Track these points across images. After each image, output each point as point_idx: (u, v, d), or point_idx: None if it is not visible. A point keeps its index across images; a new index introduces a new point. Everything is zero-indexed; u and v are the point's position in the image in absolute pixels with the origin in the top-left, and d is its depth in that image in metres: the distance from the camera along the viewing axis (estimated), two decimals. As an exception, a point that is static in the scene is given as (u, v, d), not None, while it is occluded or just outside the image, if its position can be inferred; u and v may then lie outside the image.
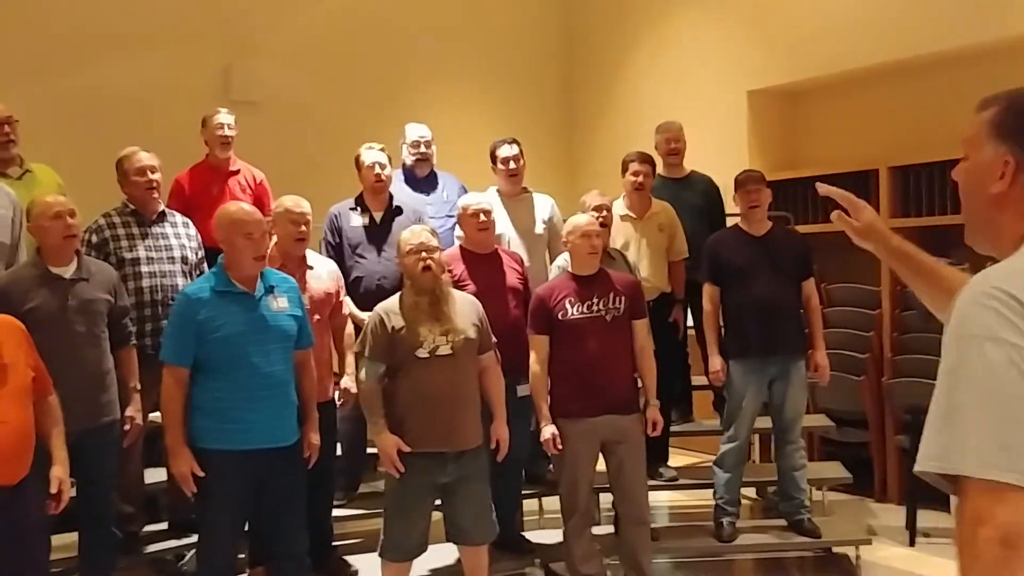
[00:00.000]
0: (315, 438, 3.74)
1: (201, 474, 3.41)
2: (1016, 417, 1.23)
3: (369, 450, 5.07)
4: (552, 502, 5.27)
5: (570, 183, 7.95)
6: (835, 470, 5.50)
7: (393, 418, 3.75)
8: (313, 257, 4.39)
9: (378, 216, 4.89)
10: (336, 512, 4.62)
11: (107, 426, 3.81)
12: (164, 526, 4.58)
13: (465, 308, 3.85)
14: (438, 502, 3.90)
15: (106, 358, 3.82)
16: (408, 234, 3.85)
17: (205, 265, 4.50)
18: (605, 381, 4.09)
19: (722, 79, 7.11)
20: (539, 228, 4.98)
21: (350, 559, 4.51)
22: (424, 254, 3.74)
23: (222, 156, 5.14)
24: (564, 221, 5.09)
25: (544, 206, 5.04)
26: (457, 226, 4.84)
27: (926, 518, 5.23)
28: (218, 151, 5.12)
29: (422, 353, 3.70)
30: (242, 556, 3.90)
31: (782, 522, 4.86)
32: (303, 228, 4.21)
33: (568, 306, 4.11)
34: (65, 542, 3.99)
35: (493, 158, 4.96)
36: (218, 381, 3.44)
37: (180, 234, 4.43)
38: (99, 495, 3.81)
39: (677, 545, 4.82)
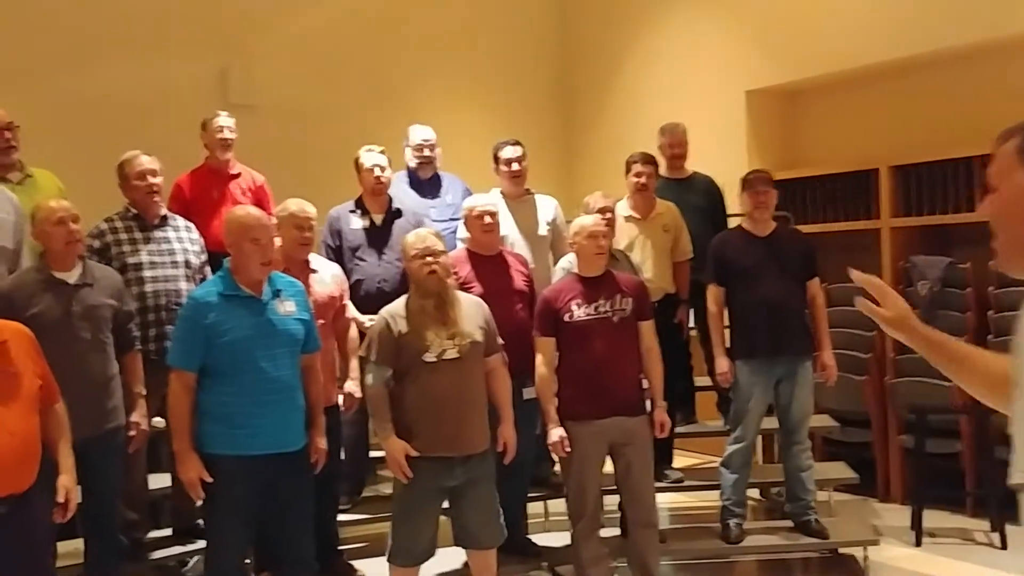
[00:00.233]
0: (322, 443, 3.71)
1: (209, 480, 3.38)
2: None
3: (372, 454, 5.06)
4: (557, 505, 5.26)
5: (568, 184, 7.94)
6: (840, 470, 5.49)
7: (400, 423, 3.73)
8: (317, 260, 4.36)
9: (378, 219, 4.87)
10: (340, 517, 4.59)
11: (112, 432, 3.78)
12: (168, 532, 4.54)
13: (471, 311, 3.83)
14: (445, 505, 3.88)
15: (111, 364, 3.79)
16: (413, 238, 3.83)
17: (208, 269, 4.47)
18: (612, 383, 4.07)
19: (720, 79, 7.10)
20: (543, 230, 4.96)
21: (355, 564, 4.49)
22: (429, 258, 3.72)
23: (222, 159, 5.11)
24: (567, 222, 5.10)
25: (547, 208, 5.02)
26: (461, 228, 4.83)
27: (931, 518, 5.22)
28: (219, 154, 5.09)
29: (429, 357, 3.68)
30: (247, 561, 3.87)
31: (789, 523, 4.85)
32: (307, 233, 4.19)
33: (575, 308, 4.08)
34: (70, 549, 3.96)
35: (496, 159, 4.94)
36: (225, 386, 3.41)
37: (183, 238, 4.39)
38: (104, 502, 3.78)
39: (684, 547, 4.80)
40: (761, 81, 6.89)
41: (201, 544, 4.33)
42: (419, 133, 5.36)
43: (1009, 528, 5.05)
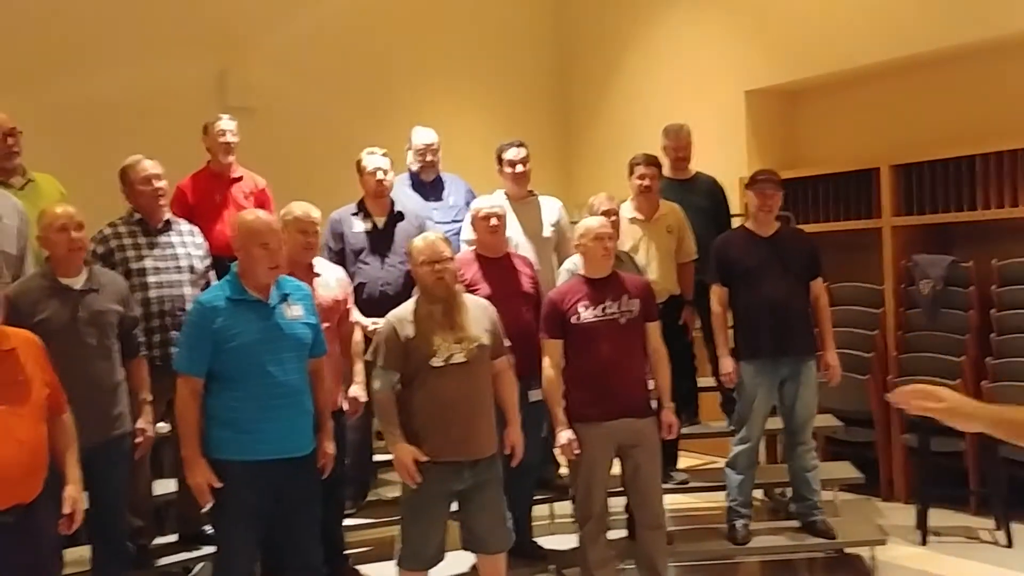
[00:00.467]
0: (330, 447, 3.69)
1: (218, 485, 3.36)
2: None
3: (376, 458, 5.05)
4: (562, 507, 5.25)
5: (567, 185, 7.95)
6: (845, 470, 5.48)
7: (408, 428, 3.71)
8: (321, 264, 4.34)
9: (380, 222, 4.85)
10: (344, 521, 4.57)
11: (119, 439, 3.75)
12: (173, 539, 4.50)
13: (478, 314, 3.82)
14: (454, 508, 3.86)
15: (117, 370, 3.76)
16: (421, 243, 3.82)
17: (212, 274, 4.44)
18: (620, 384, 4.06)
19: (719, 79, 7.11)
20: (547, 231, 4.94)
21: (360, 568, 4.47)
22: (438, 265, 3.71)
23: (224, 163, 5.08)
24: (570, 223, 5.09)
25: (551, 209, 5.01)
26: (464, 230, 4.81)
27: (935, 517, 5.23)
28: (221, 158, 5.06)
29: (436, 362, 3.67)
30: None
31: (795, 523, 4.85)
32: (312, 237, 4.18)
33: (581, 310, 4.07)
34: (75, 557, 3.93)
35: (500, 160, 4.92)
36: (233, 391, 3.39)
37: (187, 243, 4.36)
38: (111, 509, 3.75)
39: (691, 548, 4.79)
40: (761, 81, 6.90)
41: (207, 550, 4.31)
42: (421, 136, 5.35)
43: (1014, 526, 5.06)
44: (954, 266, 5.74)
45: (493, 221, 4.36)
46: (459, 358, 3.68)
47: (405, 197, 5.12)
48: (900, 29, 5.93)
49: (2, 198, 4.00)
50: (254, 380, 3.38)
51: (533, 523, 4.74)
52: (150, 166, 4.27)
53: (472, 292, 4.10)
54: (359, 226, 4.84)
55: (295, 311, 3.52)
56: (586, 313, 4.06)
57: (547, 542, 4.77)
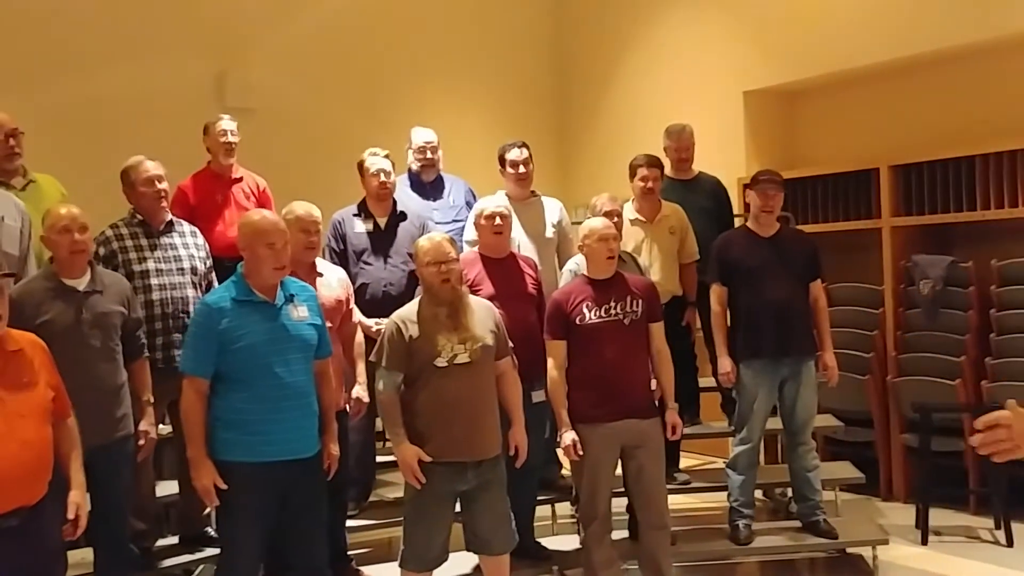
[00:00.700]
0: (335, 448, 3.68)
1: (224, 487, 3.35)
2: None
3: (379, 459, 5.04)
4: (565, 508, 5.25)
5: (565, 185, 7.95)
6: (845, 470, 5.50)
7: (412, 428, 3.70)
8: (323, 264, 4.33)
9: (382, 222, 4.85)
10: (347, 523, 4.55)
11: (122, 441, 3.73)
12: (174, 540, 4.49)
13: (482, 314, 3.82)
14: (457, 509, 3.86)
15: (120, 372, 3.74)
16: (427, 243, 3.81)
17: (214, 275, 4.43)
18: (624, 385, 4.05)
19: (717, 80, 7.11)
20: (549, 232, 4.94)
21: (363, 570, 4.45)
22: (443, 266, 3.70)
23: (225, 163, 5.06)
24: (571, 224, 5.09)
25: (553, 210, 5.01)
26: (467, 231, 4.81)
27: (934, 516, 5.24)
28: (222, 158, 5.04)
29: (440, 362, 3.66)
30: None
31: (796, 523, 4.86)
32: (314, 236, 4.16)
33: (585, 311, 4.07)
34: (78, 559, 3.92)
35: (502, 161, 4.92)
36: (239, 392, 3.37)
37: (188, 244, 4.34)
38: (114, 511, 3.72)
39: (694, 549, 4.78)
40: (759, 81, 6.90)
41: (209, 552, 4.30)
42: (421, 135, 5.34)
43: (1015, 525, 5.07)
44: (953, 266, 5.75)
45: (498, 221, 4.35)
46: (463, 358, 3.67)
47: (406, 197, 5.12)
48: (900, 29, 5.94)
49: (4, 199, 3.98)
50: (260, 381, 3.36)
51: (535, 524, 4.74)
52: (152, 167, 4.25)
53: (475, 293, 4.09)
54: (361, 227, 4.83)
55: (301, 312, 3.51)
56: (590, 314, 4.06)
57: (549, 543, 4.76)
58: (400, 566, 3.82)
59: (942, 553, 4.97)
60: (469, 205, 5.21)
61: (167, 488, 4.53)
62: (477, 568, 4.14)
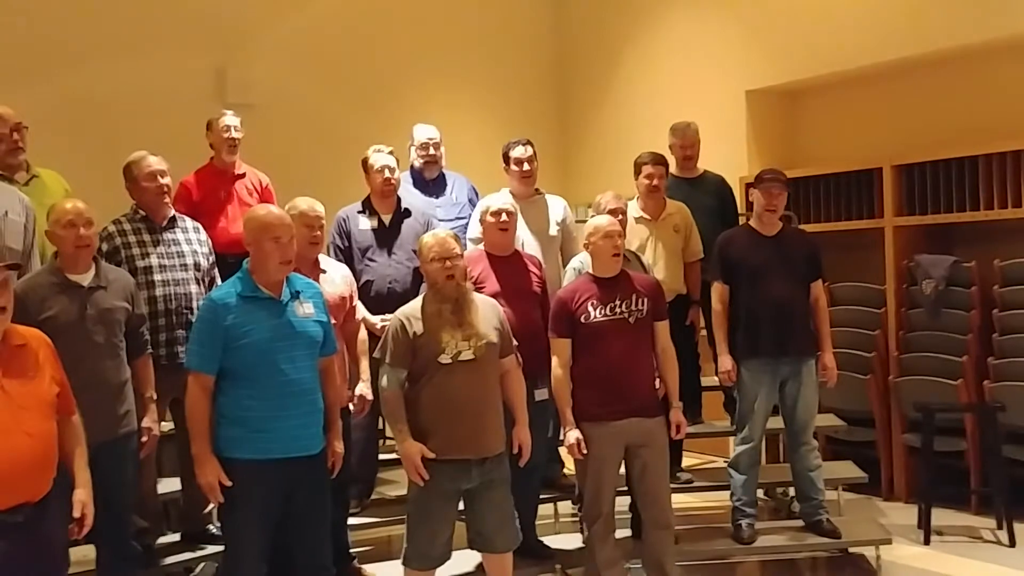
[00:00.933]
0: (339, 446, 3.66)
1: (228, 484, 3.33)
2: None
3: (380, 456, 5.02)
4: (568, 506, 5.23)
5: (565, 184, 7.93)
6: (848, 469, 5.50)
7: (416, 425, 3.68)
8: (326, 261, 4.31)
9: (387, 219, 4.84)
10: (349, 520, 4.54)
11: (125, 437, 3.71)
12: (176, 538, 4.47)
13: (487, 312, 3.80)
14: (461, 507, 3.84)
15: (124, 368, 3.72)
16: (431, 239, 3.79)
17: (216, 271, 4.41)
18: (629, 384, 4.04)
19: (719, 79, 7.11)
20: (553, 230, 4.93)
21: (365, 568, 4.43)
22: (448, 262, 3.69)
23: (228, 159, 5.05)
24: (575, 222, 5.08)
25: (557, 208, 5.00)
26: (471, 229, 4.79)
27: (938, 516, 5.23)
28: (225, 154, 5.03)
29: (444, 359, 3.65)
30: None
31: (799, 523, 4.86)
32: (317, 232, 4.14)
33: (590, 309, 4.05)
34: (79, 556, 3.89)
35: (506, 159, 4.91)
36: (245, 389, 3.35)
37: (191, 239, 4.33)
38: (117, 508, 3.69)
39: (697, 548, 4.77)
40: (761, 81, 6.90)
41: (211, 549, 4.29)
42: (423, 132, 5.32)
43: (1017, 525, 5.07)
44: (956, 266, 5.75)
45: (504, 217, 4.32)
46: (467, 355, 3.66)
47: (408, 194, 5.11)
48: (902, 29, 5.93)
49: (8, 193, 3.95)
50: (266, 378, 3.34)
51: (537, 522, 4.73)
52: (155, 162, 4.23)
53: (479, 290, 4.08)
54: (365, 223, 4.83)
55: (307, 309, 3.49)
56: (595, 312, 4.05)
57: (552, 541, 4.75)
58: (403, 564, 3.81)
59: (944, 553, 4.97)
60: (472, 202, 5.21)
61: (168, 485, 4.51)
62: (480, 566, 4.11)
